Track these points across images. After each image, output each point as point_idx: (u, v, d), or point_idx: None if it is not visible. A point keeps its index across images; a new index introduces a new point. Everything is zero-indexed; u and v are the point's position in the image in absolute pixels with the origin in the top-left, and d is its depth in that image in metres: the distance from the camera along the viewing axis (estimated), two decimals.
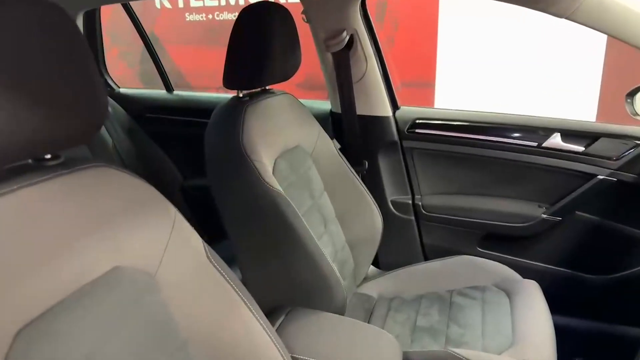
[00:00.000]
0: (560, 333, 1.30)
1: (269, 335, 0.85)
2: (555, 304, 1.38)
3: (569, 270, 1.69)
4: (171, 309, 0.72)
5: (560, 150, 1.61)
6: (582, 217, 1.64)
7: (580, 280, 1.68)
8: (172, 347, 0.71)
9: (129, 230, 0.69)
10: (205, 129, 1.19)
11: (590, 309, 1.69)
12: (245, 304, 0.82)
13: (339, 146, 1.56)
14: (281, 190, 1.13)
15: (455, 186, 1.80)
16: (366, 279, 1.64)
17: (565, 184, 1.65)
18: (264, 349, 0.84)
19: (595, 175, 1.58)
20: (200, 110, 2.08)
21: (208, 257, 0.79)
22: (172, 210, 0.77)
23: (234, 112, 1.17)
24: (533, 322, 1.30)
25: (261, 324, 0.84)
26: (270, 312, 1.13)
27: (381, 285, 1.60)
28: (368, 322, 1.42)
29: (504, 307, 1.39)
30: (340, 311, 1.17)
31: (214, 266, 0.79)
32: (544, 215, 1.66)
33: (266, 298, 1.14)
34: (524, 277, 1.51)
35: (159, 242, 0.73)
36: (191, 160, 2.14)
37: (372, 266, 1.71)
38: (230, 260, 0.89)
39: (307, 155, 1.43)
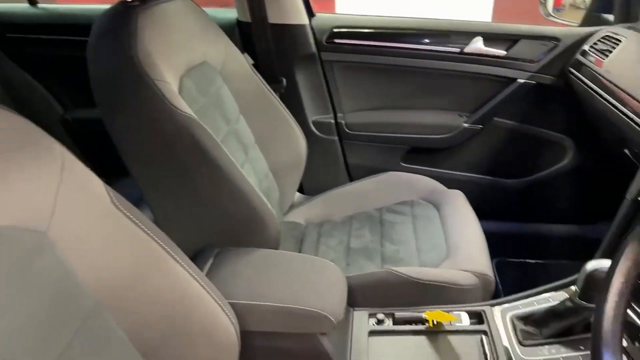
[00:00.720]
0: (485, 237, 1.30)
1: (199, 283, 0.72)
2: (479, 210, 1.39)
3: (490, 177, 1.72)
4: (74, 270, 0.56)
5: (482, 55, 1.56)
6: (501, 123, 1.64)
7: (500, 186, 1.72)
8: (81, 315, 0.55)
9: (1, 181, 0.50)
10: (85, 49, 0.95)
11: (509, 211, 1.75)
12: (166, 251, 0.68)
13: (251, 62, 1.37)
14: (192, 114, 0.95)
15: (377, 101, 1.71)
16: (292, 206, 1.54)
17: (486, 90, 1.62)
18: (196, 300, 0.71)
19: (515, 80, 1.57)
20: (75, 27, 1.74)
21: (113, 202, 0.62)
22: (58, 149, 0.58)
23: (122, 20, 0.93)
24: (463, 230, 1.29)
25: (188, 272, 0.71)
26: (195, 257, 0.98)
27: (308, 211, 1.51)
28: (299, 251, 1.34)
29: (434, 220, 1.37)
30: (275, 245, 1.06)
31: (122, 212, 0.63)
32: (466, 125, 1.64)
33: (187, 241, 0.99)
34: (449, 188, 1.49)
35: (45, 190, 0.54)
36: (72, 88, 1.82)
37: (297, 192, 1.61)
38: (137, 202, 0.73)
39: (215, 73, 1.23)
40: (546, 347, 0.92)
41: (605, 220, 1.73)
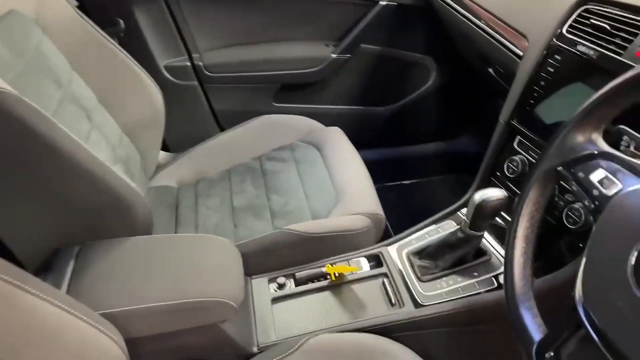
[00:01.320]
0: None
1: (60, 308, 0.57)
2: (356, 142, 1.36)
3: (363, 107, 1.69)
4: None
5: None
6: (368, 49, 1.59)
7: (373, 114, 1.71)
8: None
9: None
10: None
11: (383, 137, 1.76)
12: (7, 282, 0.51)
13: (75, 3, 1.10)
14: (6, 86, 0.71)
15: (236, 36, 1.53)
16: (159, 167, 1.36)
17: (350, 16, 1.54)
18: (61, 332, 0.57)
19: (377, 2, 1.50)
20: None
21: None
22: None
23: None
24: (348, 170, 1.26)
25: (43, 298, 0.55)
26: (50, 264, 0.79)
27: (178, 171, 1.35)
28: (176, 219, 1.19)
29: (317, 162, 1.31)
30: (147, 229, 0.90)
31: None
32: (334, 55, 1.56)
33: (39, 247, 0.80)
34: (326, 125, 1.43)
35: None
36: None
37: (161, 151, 1.42)
38: None
39: (30, 24, 0.96)
40: (444, 279, 0.95)
41: (467, 134, 1.85)
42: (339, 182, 1.21)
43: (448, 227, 1.05)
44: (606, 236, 0.50)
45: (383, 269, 1.00)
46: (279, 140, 1.40)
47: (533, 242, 0.61)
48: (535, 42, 0.97)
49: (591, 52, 0.85)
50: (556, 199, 0.90)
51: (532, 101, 0.96)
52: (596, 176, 0.54)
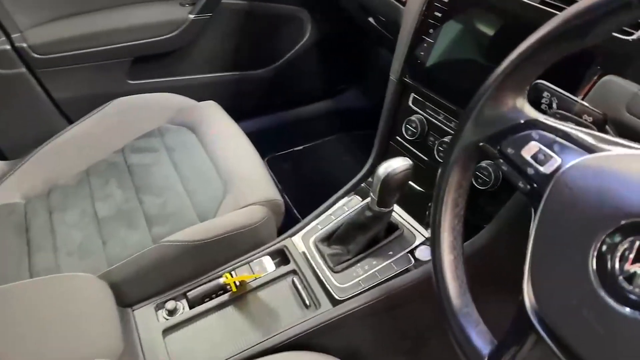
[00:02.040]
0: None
1: None
2: (235, 113, 1.20)
3: (237, 72, 1.50)
4: None
5: None
6: (231, 5, 1.39)
7: (249, 79, 1.52)
8: None
9: None
10: None
11: (264, 103, 1.60)
12: None
13: None
14: None
15: (66, 3, 1.24)
16: None
17: None
18: None
19: None
20: None
21: None
22: None
23: None
24: (232, 151, 1.09)
25: None
26: None
27: (22, 182, 1.08)
28: (27, 244, 0.95)
29: (194, 147, 1.12)
30: None
31: None
32: (192, 16, 1.33)
33: None
34: (197, 99, 1.24)
35: None
36: None
37: None
38: None
39: None
40: (358, 265, 0.85)
41: (353, 88, 1.75)
42: (224, 169, 1.04)
43: (354, 204, 0.94)
44: (555, 227, 0.41)
45: (290, 266, 0.87)
46: (143, 126, 1.18)
47: (461, 234, 0.51)
48: None
49: None
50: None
51: (422, 53, 0.86)
52: (528, 151, 0.44)
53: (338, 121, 1.73)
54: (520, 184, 0.45)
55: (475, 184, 0.79)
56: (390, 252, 0.85)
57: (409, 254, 0.84)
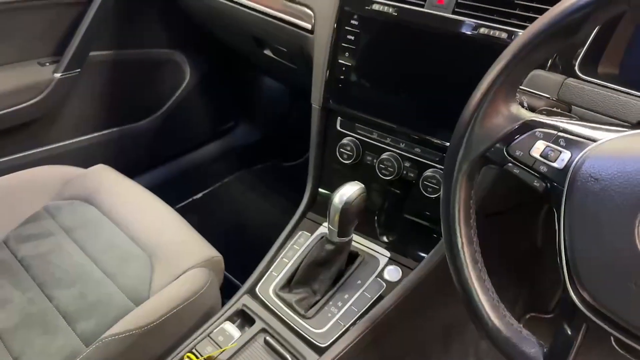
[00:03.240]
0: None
1: None
2: (131, 172, 1.09)
3: (119, 127, 1.35)
4: None
5: None
6: (101, 57, 1.25)
7: (135, 132, 1.39)
8: None
9: None
10: None
11: (157, 154, 1.47)
12: None
13: None
14: None
15: None
16: None
17: (63, 19, 1.16)
18: None
19: None
20: None
21: None
22: None
23: None
24: (143, 213, 0.97)
25: None
26: None
27: None
28: None
29: (98, 221, 0.97)
30: None
31: None
32: (58, 75, 1.16)
33: None
34: (84, 166, 1.08)
35: None
36: None
37: None
38: None
39: None
40: (330, 303, 0.80)
41: (246, 122, 1.69)
42: (142, 238, 0.91)
43: (305, 241, 0.89)
44: (590, 218, 0.42)
45: (257, 325, 0.79)
46: (24, 210, 1.00)
47: (478, 245, 0.50)
48: (323, 11, 0.86)
49: (389, 10, 0.78)
50: (404, 171, 0.83)
51: (341, 76, 0.85)
52: (537, 150, 0.45)
53: (235, 159, 1.66)
54: (536, 183, 0.46)
55: (426, 193, 0.80)
56: (359, 281, 0.82)
57: (378, 279, 0.82)
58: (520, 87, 0.56)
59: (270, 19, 0.98)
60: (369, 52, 0.82)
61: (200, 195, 1.58)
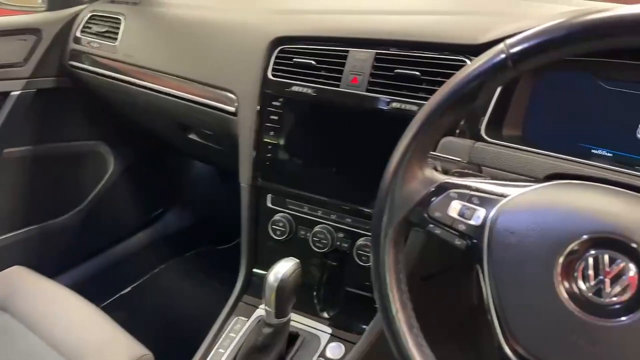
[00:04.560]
0: None
1: None
2: (51, 272, 1.01)
3: (38, 225, 1.26)
4: None
5: None
6: (17, 153, 1.19)
7: (56, 228, 1.31)
8: None
9: None
10: None
11: (78, 253, 1.39)
12: None
13: None
14: None
15: None
16: None
17: None
18: None
19: (8, 93, 1.13)
20: None
21: None
22: None
23: None
24: (67, 320, 0.89)
25: None
26: None
27: None
28: None
29: (14, 330, 0.88)
30: None
31: None
32: None
33: None
34: None
35: None
36: None
37: None
38: None
39: None
40: None
41: (175, 207, 1.65)
42: (66, 345, 0.83)
43: (241, 327, 0.85)
44: (512, 271, 0.43)
45: None
46: None
47: (412, 309, 0.50)
48: (245, 94, 0.89)
49: (308, 91, 0.82)
50: (338, 242, 0.83)
51: (269, 154, 0.87)
52: (454, 210, 0.47)
53: (166, 247, 1.59)
54: (457, 242, 0.47)
55: (360, 262, 0.80)
56: None
57: (321, 358, 0.79)
58: (433, 153, 0.60)
59: (194, 105, 1.00)
60: (293, 130, 0.85)
61: (128, 289, 1.48)
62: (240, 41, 0.93)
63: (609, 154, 0.68)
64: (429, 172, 0.50)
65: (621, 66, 0.69)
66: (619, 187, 0.45)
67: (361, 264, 0.80)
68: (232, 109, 0.91)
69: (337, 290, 0.86)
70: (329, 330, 0.83)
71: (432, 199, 0.48)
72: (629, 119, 0.67)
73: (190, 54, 1.03)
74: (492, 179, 0.58)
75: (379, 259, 0.50)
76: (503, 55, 0.43)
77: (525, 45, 0.42)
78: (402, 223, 0.49)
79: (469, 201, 0.47)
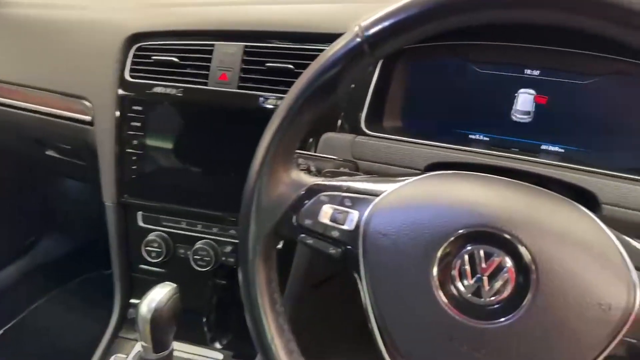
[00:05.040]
0: None
1: None
2: None
3: None
4: None
5: None
6: None
7: None
8: None
9: None
10: None
11: None
12: None
13: None
14: None
15: None
16: None
17: None
18: None
19: None
20: None
21: None
22: None
23: None
24: None
25: None
26: None
27: None
28: None
29: None
30: None
31: None
32: None
33: None
34: None
35: None
36: None
37: None
38: None
39: None
40: None
41: (46, 235, 1.46)
42: None
43: None
44: (389, 277, 0.38)
45: None
46: None
47: (290, 332, 0.44)
48: (101, 101, 0.78)
49: (172, 91, 0.74)
50: (224, 257, 0.76)
51: (134, 167, 0.77)
52: (325, 215, 0.42)
53: (45, 278, 1.40)
54: (331, 251, 0.42)
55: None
56: None
57: None
58: (306, 152, 0.54)
59: (46, 117, 0.86)
60: (160, 137, 0.76)
61: (1, 332, 1.28)
62: (91, 41, 0.81)
63: (486, 138, 0.68)
64: (296, 174, 0.44)
65: (491, 48, 0.68)
66: (495, 172, 0.43)
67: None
68: (87, 118, 0.80)
69: (228, 311, 0.79)
70: (221, 356, 0.75)
71: (303, 204, 0.42)
72: (503, 101, 0.67)
73: (37, 60, 0.89)
74: (372, 175, 0.54)
75: (249, 279, 0.43)
76: (358, 40, 0.38)
77: (379, 26, 0.37)
78: (270, 236, 0.43)
79: (341, 204, 0.42)
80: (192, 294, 0.77)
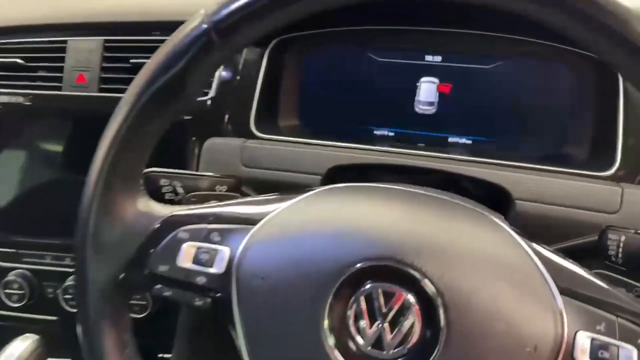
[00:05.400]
0: None
1: None
2: None
3: None
4: None
5: None
6: None
7: None
8: None
9: None
10: None
11: None
12: None
13: None
14: None
15: None
16: None
17: None
18: None
19: None
20: None
21: None
22: None
23: None
24: None
25: None
26: None
27: None
28: None
29: None
30: None
31: None
32: None
33: None
34: None
35: None
36: None
37: None
38: None
39: None
40: None
41: None
42: None
43: None
44: (270, 330, 0.30)
45: None
46: None
47: None
48: None
49: (20, 99, 0.60)
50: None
51: None
52: (186, 257, 0.32)
53: None
54: (198, 302, 0.32)
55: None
56: None
57: None
58: (166, 170, 0.44)
59: None
60: (8, 157, 0.62)
61: None
62: None
63: (391, 134, 0.61)
64: (145, 204, 0.33)
65: (390, 33, 0.62)
66: (403, 172, 0.36)
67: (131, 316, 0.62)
68: None
69: None
70: None
71: (155, 246, 0.32)
72: (406, 92, 0.60)
73: None
74: (251, 194, 0.46)
75: (93, 347, 0.33)
76: (205, 27, 0.29)
77: (228, 9, 0.28)
78: (117, 289, 0.33)
79: (207, 239, 0.32)
80: (67, 341, 0.65)
